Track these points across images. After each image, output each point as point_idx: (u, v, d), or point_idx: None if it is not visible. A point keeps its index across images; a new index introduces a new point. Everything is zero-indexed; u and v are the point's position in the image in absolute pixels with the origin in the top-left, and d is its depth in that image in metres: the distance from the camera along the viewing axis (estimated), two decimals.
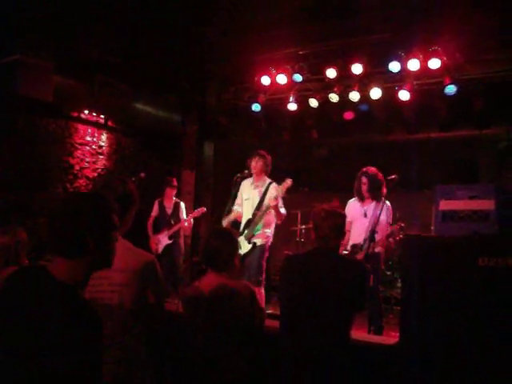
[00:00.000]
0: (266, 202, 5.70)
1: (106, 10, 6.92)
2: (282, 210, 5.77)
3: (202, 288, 3.20)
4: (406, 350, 3.24)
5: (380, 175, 5.67)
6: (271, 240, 5.97)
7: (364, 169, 5.78)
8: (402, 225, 5.90)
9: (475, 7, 6.54)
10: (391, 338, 4.53)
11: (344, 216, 3.43)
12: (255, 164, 5.90)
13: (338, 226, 3.28)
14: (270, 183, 5.84)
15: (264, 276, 5.81)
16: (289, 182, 5.55)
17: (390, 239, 5.41)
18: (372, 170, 5.73)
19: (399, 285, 6.95)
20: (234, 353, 3.10)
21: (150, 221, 8.03)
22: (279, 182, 5.66)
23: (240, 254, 4.65)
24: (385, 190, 5.62)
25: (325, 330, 3.06)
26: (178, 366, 3.39)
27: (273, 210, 5.70)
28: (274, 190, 5.69)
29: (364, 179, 5.72)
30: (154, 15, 7.25)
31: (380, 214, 5.19)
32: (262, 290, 5.72)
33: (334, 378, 3.04)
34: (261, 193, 5.86)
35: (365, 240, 5.39)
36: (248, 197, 5.97)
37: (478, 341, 2.98)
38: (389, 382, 3.47)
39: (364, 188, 5.71)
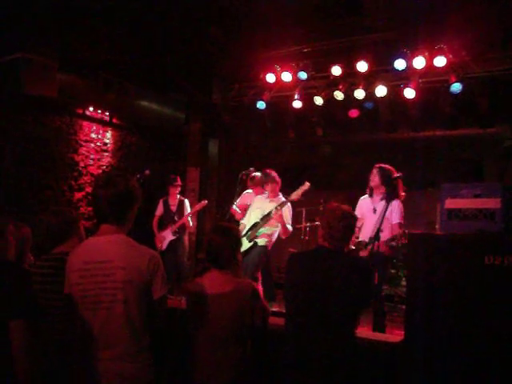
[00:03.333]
0: (272, 212, 5.91)
1: (110, 7, 6.92)
2: (289, 227, 6.05)
3: (204, 284, 3.18)
4: (411, 347, 3.24)
5: (394, 175, 5.49)
6: (271, 244, 6.20)
7: (379, 164, 5.73)
8: (406, 231, 5.79)
9: (480, 5, 6.52)
10: (396, 336, 4.52)
11: (356, 217, 3.44)
12: (270, 187, 6.22)
13: (352, 226, 3.28)
14: (283, 202, 5.99)
15: (259, 272, 6.06)
16: (307, 185, 5.82)
17: (393, 243, 5.34)
18: (387, 166, 5.64)
19: (403, 283, 6.92)
20: (234, 350, 3.10)
21: (155, 220, 8.03)
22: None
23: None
24: (399, 193, 5.54)
25: (330, 328, 3.06)
26: (178, 362, 3.38)
27: (279, 225, 5.97)
28: (286, 208, 5.98)
29: (374, 171, 5.66)
30: (158, 13, 7.24)
31: (385, 211, 5.12)
32: (260, 286, 5.83)
33: (340, 376, 3.03)
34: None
35: (370, 238, 5.35)
36: (260, 207, 6.23)
37: (484, 339, 2.97)
38: (393, 380, 3.47)
39: (372, 180, 5.66)
